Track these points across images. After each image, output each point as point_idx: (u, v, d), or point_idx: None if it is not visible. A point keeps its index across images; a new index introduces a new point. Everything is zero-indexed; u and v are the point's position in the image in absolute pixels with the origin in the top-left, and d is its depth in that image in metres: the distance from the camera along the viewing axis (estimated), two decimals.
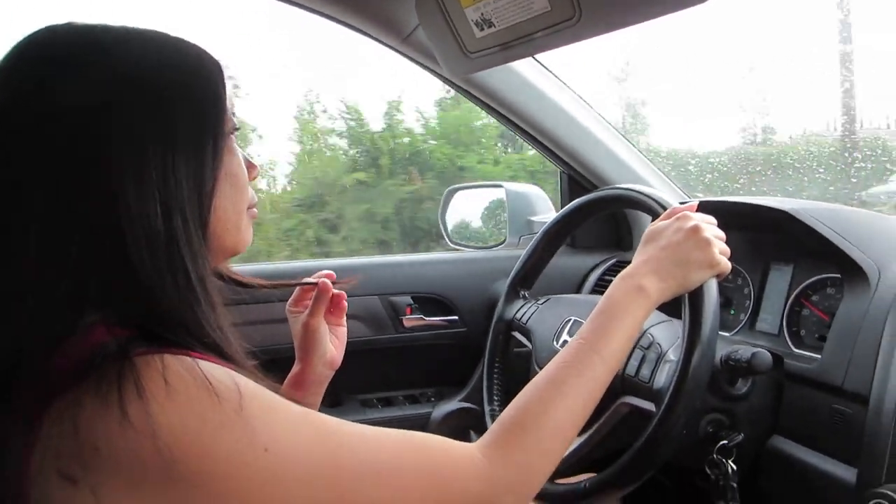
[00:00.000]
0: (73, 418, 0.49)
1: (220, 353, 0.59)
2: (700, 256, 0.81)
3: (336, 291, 0.90)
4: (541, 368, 0.74)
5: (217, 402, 0.51)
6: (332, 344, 0.90)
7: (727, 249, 0.84)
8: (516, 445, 0.66)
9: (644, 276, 0.79)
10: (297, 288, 0.92)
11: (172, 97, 0.58)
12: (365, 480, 0.57)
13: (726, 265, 0.83)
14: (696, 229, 0.81)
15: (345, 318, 0.94)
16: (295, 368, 0.89)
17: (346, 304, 0.93)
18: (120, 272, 0.55)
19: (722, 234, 0.85)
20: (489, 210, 1.85)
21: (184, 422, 0.50)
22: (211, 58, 0.63)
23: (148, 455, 0.49)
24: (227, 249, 0.66)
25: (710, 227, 0.84)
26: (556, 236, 1.18)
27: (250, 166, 0.69)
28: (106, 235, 0.54)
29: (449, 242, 1.80)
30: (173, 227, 0.56)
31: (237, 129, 0.65)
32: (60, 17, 0.60)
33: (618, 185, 1.12)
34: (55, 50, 0.57)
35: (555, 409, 0.69)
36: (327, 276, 0.90)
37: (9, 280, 0.54)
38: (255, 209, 0.71)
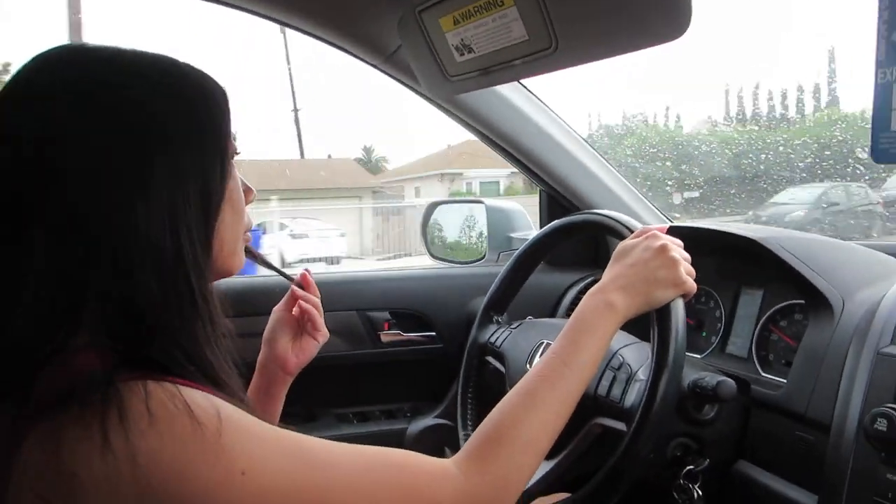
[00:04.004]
0: (55, 443, 0.50)
1: (208, 373, 0.60)
2: (666, 275, 0.83)
3: (303, 305, 0.94)
4: None
5: (197, 427, 0.52)
6: (294, 352, 0.94)
7: (693, 271, 0.87)
8: (491, 458, 0.67)
9: (612, 292, 0.81)
10: (289, 291, 0.96)
11: (181, 121, 0.60)
12: (341, 497, 0.58)
13: (692, 285, 0.85)
14: (663, 248, 0.84)
15: (320, 335, 0.96)
16: (259, 357, 0.94)
17: (316, 317, 0.96)
18: (123, 289, 0.56)
19: (688, 255, 0.88)
20: (469, 225, 1.87)
21: (163, 447, 0.51)
22: (216, 83, 0.65)
23: (126, 481, 0.49)
24: (220, 271, 0.68)
25: (676, 247, 0.86)
26: (528, 262, 1.20)
27: (247, 190, 0.71)
28: (114, 253, 0.55)
29: (430, 256, 1.81)
30: (181, 246, 0.58)
31: (237, 153, 0.67)
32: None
33: (587, 211, 1.14)
34: (68, 70, 0.59)
35: (528, 422, 0.70)
36: (303, 276, 0.96)
37: (7, 290, 0.54)
38: (248, 233, 0.73)
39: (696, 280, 0.88)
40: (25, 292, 0.54)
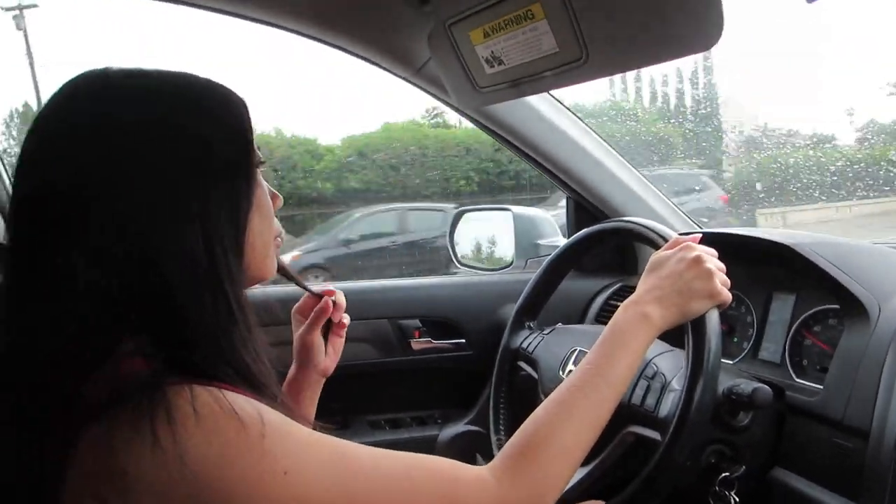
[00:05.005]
0: (107, 443, 0.52)
1: (249, 379, 0.62)
2: (701, 286, 0.83)
3: (337, 316, 0.94)
4: (546, 397, 0.76)
5: (242, 429, 0.54)
6: (328, 355, 0.95)
7: (728, 281, 0.87)
8: (526, 468, 0.68)
9: (648, 304, 0.82)
10: (305, 295, 0.96)
11: (209, 137, 0.62)
12: (379, 501, 0.60)
13: (727, 296, 0.86)
14: (698, 260, 0.84)
15: (344, 332, 0.98)
16: (291, 371, 0.95)
17: (347, 322, 0.97)
18: (162, 300, 0.58)
19: (723, 266, 0.88)
20: (496, 233, 1.88)
21: (210, 448, 0.53)
22: (238, 97, 0.67)
23: (176, 479, 0.52)
24: (253, 277, 0.70)
25: (711, 258, 0.86)
26: (560, 268, 1.21)
27: (274, 197, 0.73)
28: (151, 266, 0.58)
29: (457, 263, 1.83)
30: (214, 255, 0.60)
31: (262, 163, 0.69)
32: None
33: (621, 218, 1.15)
34: (95, 96, 0.61)
35: (563, 432, 0.71)
36: (327, 292, 0.94)
37: (53, 308, 0.57)
38: (279, 238, 0.74)
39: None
40: (70, 308, 0.57)
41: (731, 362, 1.21)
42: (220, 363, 0.60)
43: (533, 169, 1.52)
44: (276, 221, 0.73)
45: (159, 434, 0.52)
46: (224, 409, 0.54)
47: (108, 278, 0.57)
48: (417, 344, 1.48)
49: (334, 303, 0.94)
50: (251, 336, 0.64)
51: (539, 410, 0.74)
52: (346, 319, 0.97)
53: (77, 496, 0.53)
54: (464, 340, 1.52)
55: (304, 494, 0.56)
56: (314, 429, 0.62)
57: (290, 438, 0.57)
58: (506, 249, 1.77)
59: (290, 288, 0.91)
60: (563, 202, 1.66)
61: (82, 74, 0.63)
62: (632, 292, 0.86)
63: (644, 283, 0.86)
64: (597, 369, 0.76)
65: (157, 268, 0.58)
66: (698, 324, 0.84)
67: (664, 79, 11.97)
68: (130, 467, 0.52)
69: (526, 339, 1.20)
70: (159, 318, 0.58)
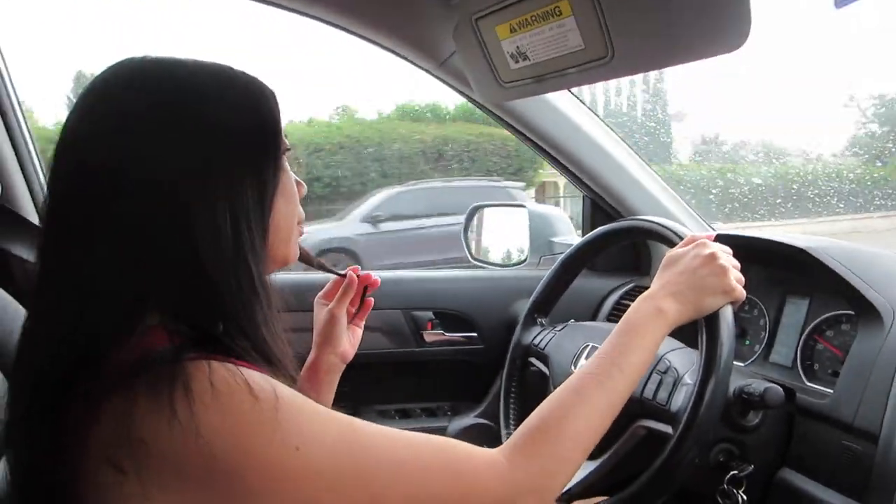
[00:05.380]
0: (127, 412, 0.54)
1: (267, 355, 0.64)
2: (716, 282, 0.85)
3: (365, 292, 0.99)
4: None
5: (256, 403, 0.56)
6: (348, 341, 0.98)
7: (742, 278, 0.88)
8: (537, 450, 0.69)
9: (663, 299, 0.83)
10: (330, 282, 1.00)
11: (242, 126, 0.65)
12: (390, 477, 0.61)
13: (741, 292, 0.87)
14: (713, 256, 0.86)
15: (363, 322, 1.02)
16: (311, 355, 0.97)
17: (371, 303, 1.01)
18: (190, 275, 0.60)
19: (737, 263, 0.89)
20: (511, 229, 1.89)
21: (224, 420, 0.54)
22: (268, 88, 0.69)
23: (191, 451, 0.53)
24: (277, 260, 0.72)
25: (726, 255, 0.87)
26: (574, 266, 1.22)
27: (298, 184, 0.75)
28: (180, 242, 0.60)
29: (471, 259, 1.84)
30: (240, 233, 0.62)
31: (288, 150, 0.71)
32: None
33: (635, 217, 1.16)
34: (135, 83, 0.63)
35: (575, 417, 0.72)
36: (353, 269, 0.99)
37: (85, 281, 0.59)
38: (302, 225, 0.76)
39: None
40: (101, 278, 0.59)
41: (742, 364, 1.21)
42: (240, 338, 0.62)
43: (550, 166, 1.53)
44: (300, 208, 0.75)
45: (177, 406, 0.53)
46: (239, 384, 0.56)
47: (140, 250, 0.59)
48: (430, 336, 1.49)
49: (358, 277, 0.97)
50: (272, 314, 0.66)
51: (552, 396, 0.75)
52: (371, 301, 1.01)
53: (96, 462, 0.55)
54: (476, 334, 1.53)
55: (317, 469, 0.57)
56: None
57: (302, 414, 0.59)
58: (520, 246, 1.79)
59: (308, 276, 0.93)
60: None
61: (122, 61, 0.65)
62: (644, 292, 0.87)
63: (659, 279, 0.87)
64: (611, 359, 0.78)
65: (187, 242, 0.60)
66: (712, 320, 0.85)
67: (618, 89, 12.04)
68: (148, 437, 0.53)
69: (538, 335, 1.21)
70: (186, 291, 0.60)
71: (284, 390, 0.59)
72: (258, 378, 0.58)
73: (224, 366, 0.57)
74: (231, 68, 0.68)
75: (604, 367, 0.77)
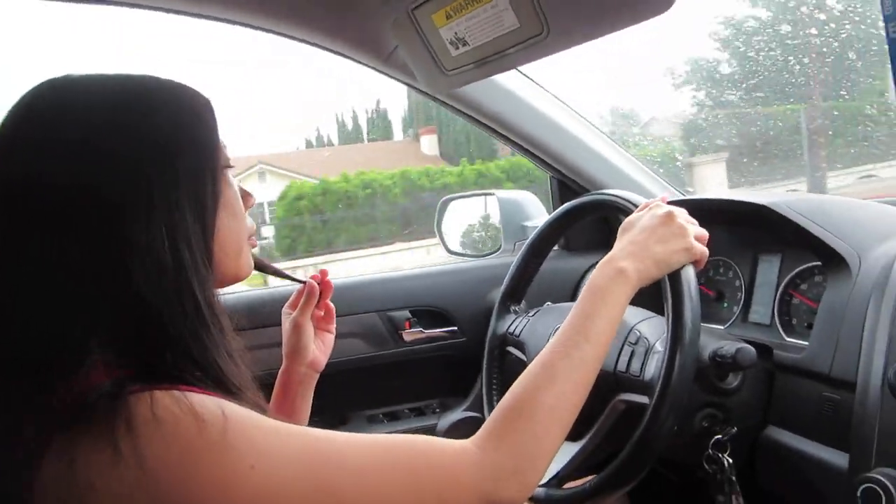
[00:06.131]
0: (70, 456, 0.52)
1: (220, 380, 0.61)
2: (675, 240, 0.84)
3: (325, 297, 0.98)
4: None
5: (203, 427, 0.53)
6: (318, 348, 0.97)
7: (704, 235, 0.87)
8: (509, 432, 0.68)
9: (622, 260, 0.82)
10: (295, 291, 0.98)
11: (173, 138, 0.62)
12: (358, 485, 0.59)
13: (701, 249, 0.86)
14: (669, 215, 0.85)
15: (334, 326, 1.01)
16: (282, 367, 0.96)
17: (333, 308, 1.00)
18: (131, 304, 0.57)
19: (695, 221, 0.88)
20: (483, 218, 1.88)
21: (170, 450, 0.52)
22: (202, 97, 0.67)
23: (139, 487, 0.51)
24: (228, 277, 0.70)
25: (682, 213, 0.87)
26: (540, 249, 1.21)
27: (246, 196, 0.73)
28: (115, 271, 0.57)
29: (447, 252, 1.82)
30: (181, 256, 0.60)
31: (230, 166, 0.68)
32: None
33: (592, 192, 1.14)
34: (58, 104, 0.61)
35: (545, 392, 0.70)
36: (314, 277, 0.97)
37: (24, 321, 0.56)
38: (254, 238, 0.74)
39: (712, 251, 0.88)
40: (36, 314, 0.56)
41: (722, 327, 1.21)
42: (189, 366, 0.59)
43: (512, 150, 1.52)
44: (250, 220, 0.73)
45: (120, 444, 0.51)
46: (184, 410, 0.53)
47: (73, 283, 0.57)
48: (409, 335, 1.47)
49: (320, 284, 0.96)
50: (224, 337, 0.63)
51: (521, 376, 0.73)
52: (332, 307, 0.99)
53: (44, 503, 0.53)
54: (456, 328, 1.52)
55: (276, 487, 0.55)
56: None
57: (256, 432, 0.56)
58: (493, 234, 1.77)
59: (266, 290, 0.91)
60: None
61: (45, 82, 0.63)
62: None
63: (618, 243, 0.86)
64: (576, 329, 0.76)
65: (123, 270, 0.57)
66: (675, 282, 0.85)
67: None
68: (96, 479, 0.51)
69: (512, 323, 1.20)
70: (126, 322, 0.58)
71: (235, 410, 0.56)
72: (207, 402, 0.55)
73: (169, 394, 0.54)
74: (160, 79, 0.65)
75: (570, 338, 0.75)
